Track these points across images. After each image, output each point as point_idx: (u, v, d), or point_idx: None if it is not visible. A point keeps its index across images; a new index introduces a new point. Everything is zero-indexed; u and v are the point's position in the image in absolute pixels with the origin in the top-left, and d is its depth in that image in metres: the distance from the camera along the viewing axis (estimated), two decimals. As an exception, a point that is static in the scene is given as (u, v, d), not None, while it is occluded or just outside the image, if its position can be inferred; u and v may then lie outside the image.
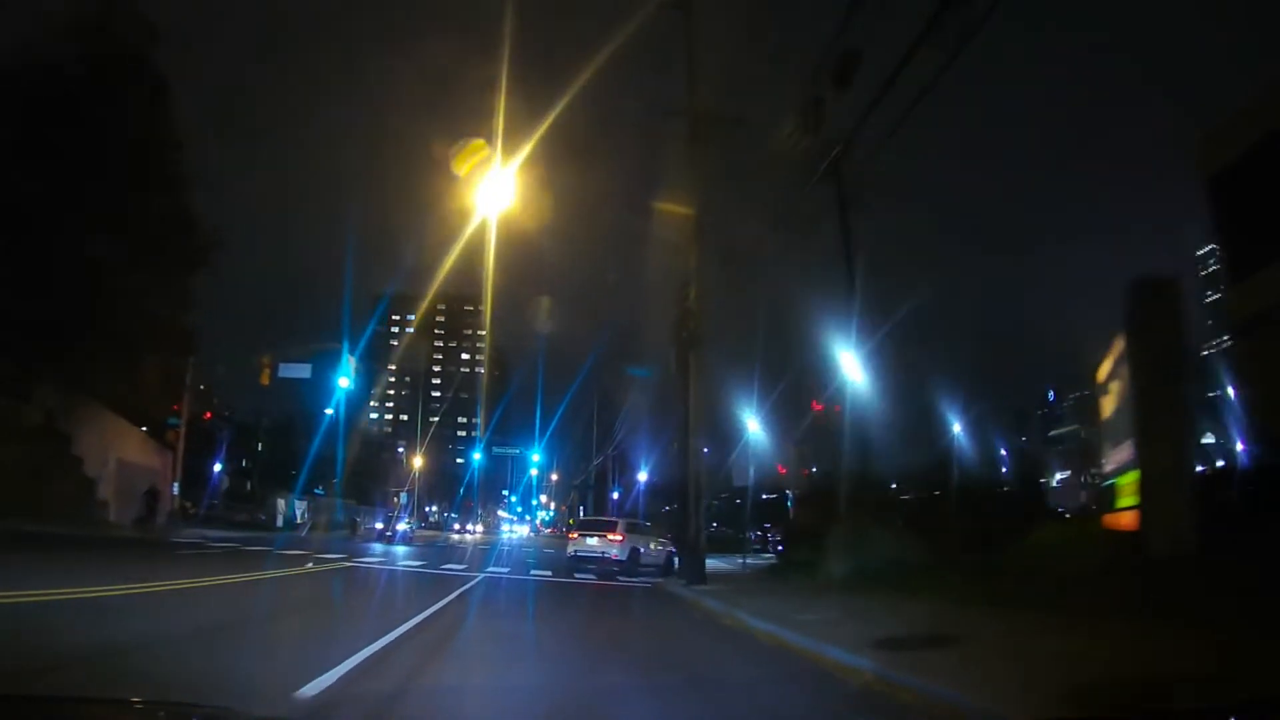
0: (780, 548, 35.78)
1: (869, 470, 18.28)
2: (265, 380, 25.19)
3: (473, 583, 15.13)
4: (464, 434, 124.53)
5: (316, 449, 60.93)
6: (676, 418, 17.95)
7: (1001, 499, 20.47)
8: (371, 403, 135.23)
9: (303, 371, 25.19)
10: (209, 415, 46.08)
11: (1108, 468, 17.40)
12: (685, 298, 17.40)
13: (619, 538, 20.94)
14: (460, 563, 21.55)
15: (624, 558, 20.51)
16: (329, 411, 61.86)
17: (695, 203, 18.09)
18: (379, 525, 35.08)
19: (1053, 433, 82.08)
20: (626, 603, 14.35)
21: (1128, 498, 15.05)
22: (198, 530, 29.21)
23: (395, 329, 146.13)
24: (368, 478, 78.81)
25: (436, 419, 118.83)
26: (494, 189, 17.95)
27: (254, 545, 23.45)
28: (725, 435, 25.14)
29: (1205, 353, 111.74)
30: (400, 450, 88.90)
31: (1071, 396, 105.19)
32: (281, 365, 25.12)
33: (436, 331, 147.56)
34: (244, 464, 67.74)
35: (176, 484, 28.68)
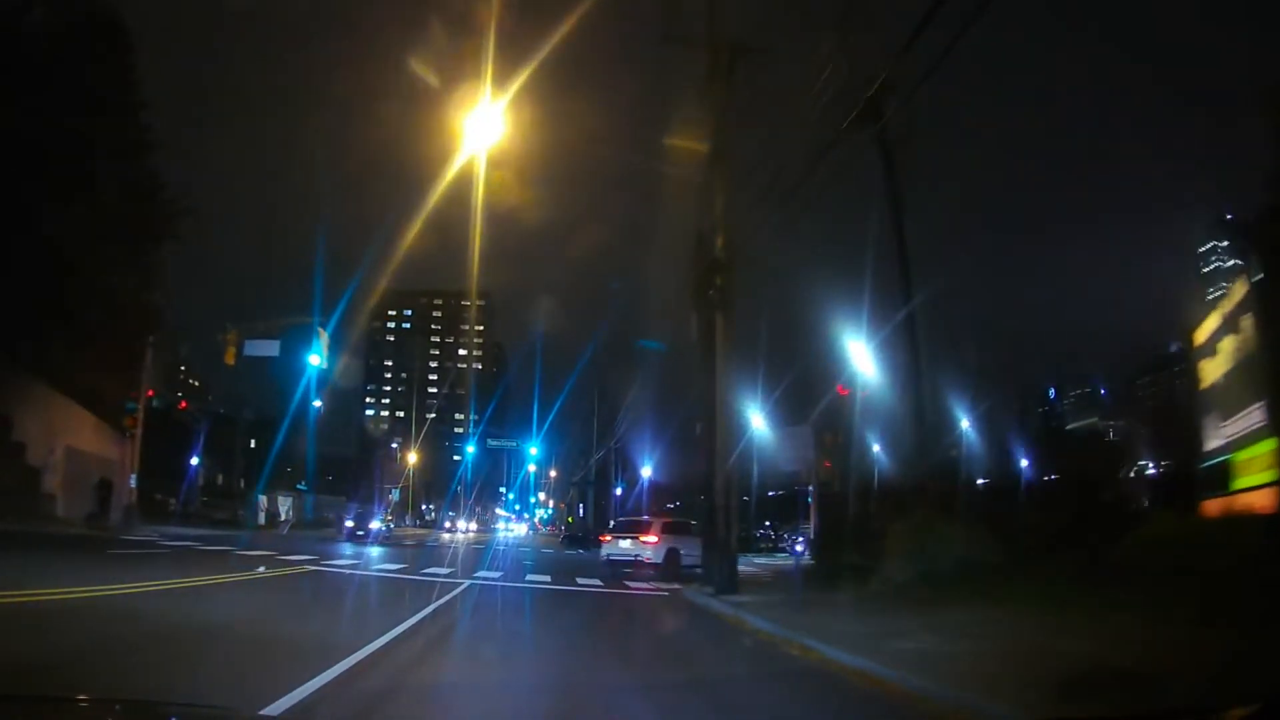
0: (800, 549, 32.98)
1: (928, 457, 15.50)
2: (230, 359, 22.31)
3: (454, 592, 12.28)
4: (461, 430, 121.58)
5: (304, 442, 58.26)
6: (698, 396, 15.08)
7: (1085, 492, 17.68)
8: (368, 399, 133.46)
9: (270, 349, 22.28)
10: (184, 404, 43.37)
11: (1213, 444, 14.73)
12: (710, 249, 14.55)
13: (653, 538, 19.08)
14: (445, 566, 18.71)
15: (659, 560, 18.56)
16: (317, 404, 59.27)
17: (718, 142, 15.25)
18: (349, 523, 31.77)
19: (1070, 426, 79.80)
20: (647, 619, 11.47)
21: (1255, 474, 12.39)
22: (158, 528, 26.35)
23: (391, 324, 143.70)
24: (362, 474, 76.17)
25: (433, 415, 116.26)
26: (485, 122, 15.13)
27: (215, 545, 20.78)
28: (730, 428, 22.26)
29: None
30: (394, 446, 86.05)
31: (1073, 394, 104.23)
32: (247, 343, 22.21)
33: (433, 327, 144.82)
34: (268, 465, 64.79)
35: (134, 476, 25.76)
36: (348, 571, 15.57)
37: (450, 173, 17.05)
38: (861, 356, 23.01)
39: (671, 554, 18.52)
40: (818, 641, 7.69)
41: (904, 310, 15.25)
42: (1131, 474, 46.21)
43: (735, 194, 15.01)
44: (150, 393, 38.80)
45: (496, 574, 17.17)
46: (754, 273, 18.97)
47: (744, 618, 10.24)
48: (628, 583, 17.52)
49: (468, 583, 14.26)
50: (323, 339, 20.85)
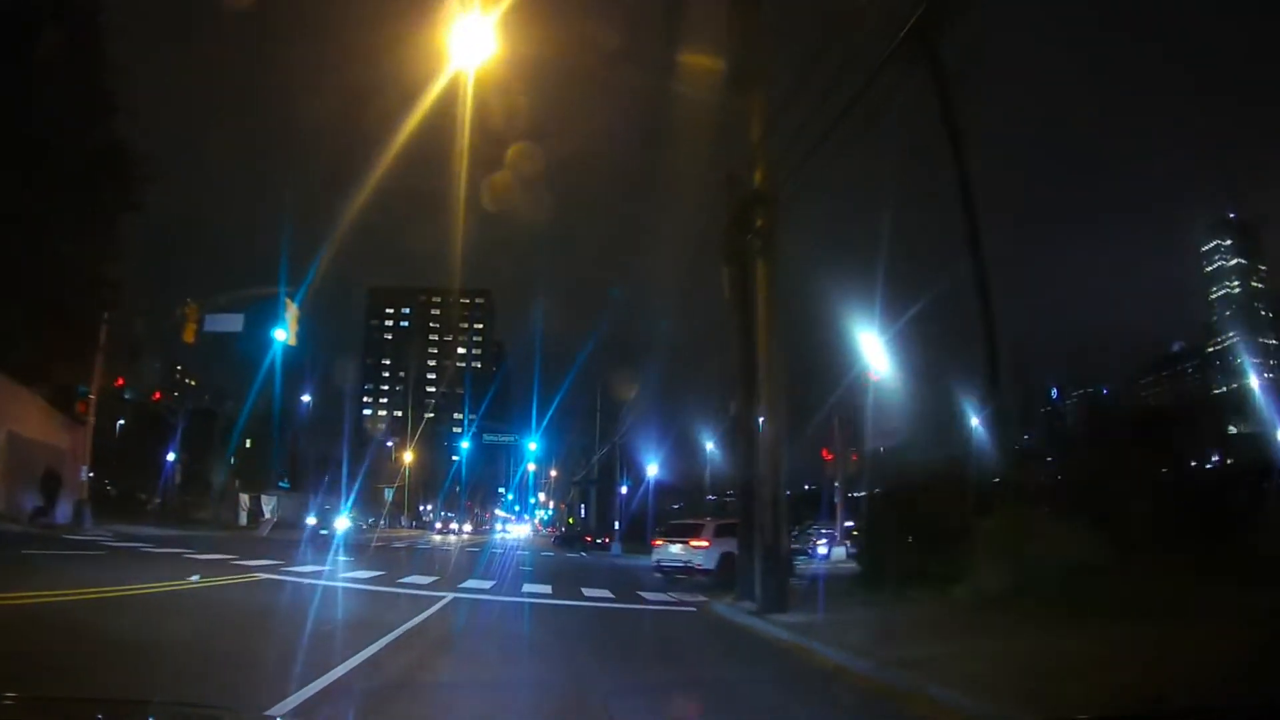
0: (824, 551, 30.33)
1: (1008, 443, 12.90)
2: (190, 336, 19.60)
3: (430, 611, 9.60)
4: (459, 430, 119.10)
5: (291, 438, 55.52)
6: (730, 367, 12.36)
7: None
8: (365, 399, 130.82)
9: (233, 324, 19.61)
10: (158, 395, 40.71)
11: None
12: (745, 187, 11.91)
13: (704, 543, 17.41)
14: (429, 574, 16.01)
15: (711, 566, 16.57)
16: (306, 398, 56.64)
17: (752, 61, 12.63)
18: (310, 520, 28.49)
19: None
20: (683, 653, 8.60)
21: None
22: (116, 526, 23.74)
23: (389, 322, 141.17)
24: (358, 474, 73.52)
25: (431, 414, 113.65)
26: (473, 38, 12.47)
27: (170, 546, 18.34)
28: (779, 401, 19.74)
29: (1211, 350, 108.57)
30: (389, 444, 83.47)
31: (1075, 394, 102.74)
32: (208, 317, 19.53)
33: (431, 325, 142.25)
34: (231, 459, 62.05)
35: (85, 468, 23.09)
36: (308, 581, 12.88)
37: (435, 94, 14.39)
38: (883, 341, 21.55)
39: (726, 559, 16.29)
40: (964, 696, 5.01)
41: (973, 261, 12.67)
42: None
43: (774, 118, 12.36)
44: (120, 381, 36.20)
45: (488, 584, 14.46)
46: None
47: (815, 649, 7.54)
48: (642, 594, 14.90)
49: (450, 596, 11.57)
50: (290, 312, 18.11)
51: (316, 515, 28.78)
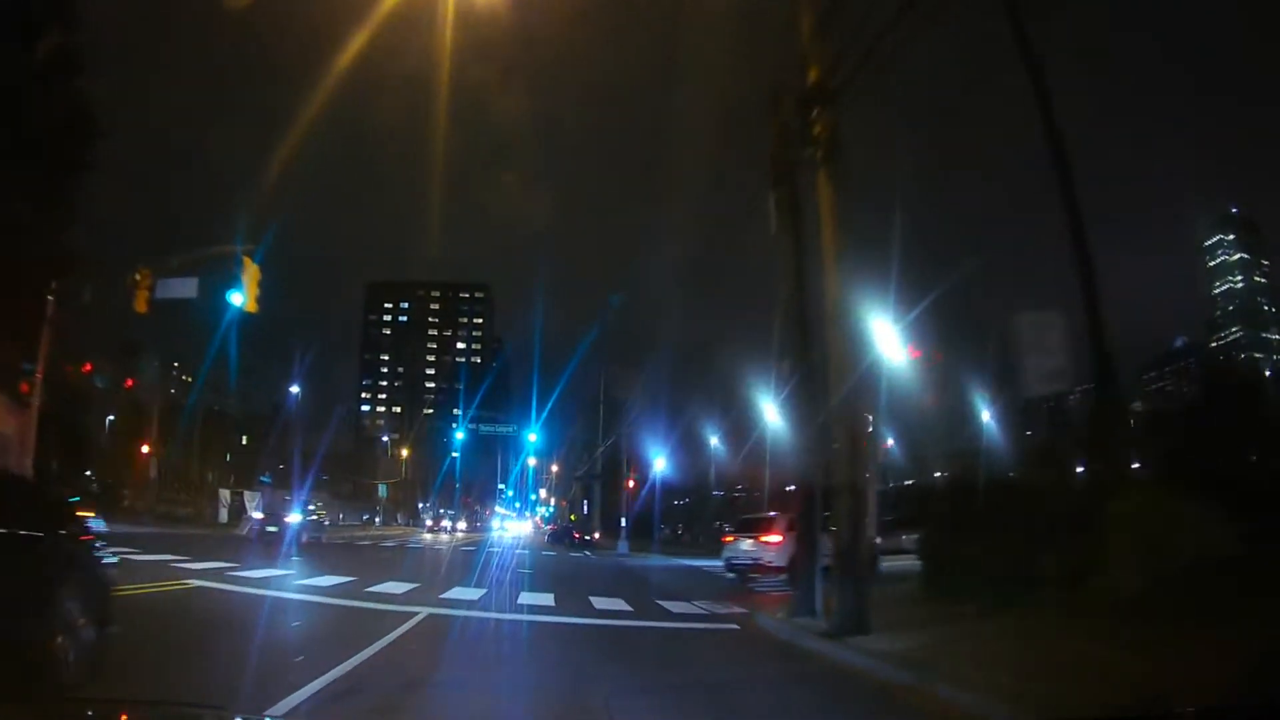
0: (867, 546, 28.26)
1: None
2: (142, 306, 17.01)
3: (390, 639, 7.06)
4: (458, 426, 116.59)
5: (283, 435, 52.97)
6: (783, 311, 9.75)
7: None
8: (364, 395, 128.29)
9: (188, 290, 17.07)
10: (130, 383, 38.28)
11: None
12: (793, 91, 9.34)
13: (776, 539, 15.79)
14: (408, 579, 13.37)
15: (784, 563, 15.00)
16: (294, 390, 54.04)
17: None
18: (258, 515, 25.24)
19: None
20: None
21: None
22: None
23: (387, 317, 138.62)
24: (355, 470, 71.32)
25: (430, 410, 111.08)
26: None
27: (113, 546, 15.58)
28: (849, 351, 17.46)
29: (1213, 344, 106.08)
30: (385, 440, 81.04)
31: (1077, 389, 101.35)
32: (160, 282, 16.96)
33: (431, 320, 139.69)
34: (228, 456, 59.77)
35: (31, 457, 20.52)
36: (250, 590, 10.34)
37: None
38: (897, 329, 19.91)
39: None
40: None
41: (1062, 198, 10.32)
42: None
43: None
44: (88, 367, 33.70)
45: (477, 594, 11.86)
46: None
47: (956, 701, 4.98)
48: (664, 604, 12.34)
49: (426, 612, 8.99)
50: (249, 272, 15.48)
51: (264, 509, 25.79)
